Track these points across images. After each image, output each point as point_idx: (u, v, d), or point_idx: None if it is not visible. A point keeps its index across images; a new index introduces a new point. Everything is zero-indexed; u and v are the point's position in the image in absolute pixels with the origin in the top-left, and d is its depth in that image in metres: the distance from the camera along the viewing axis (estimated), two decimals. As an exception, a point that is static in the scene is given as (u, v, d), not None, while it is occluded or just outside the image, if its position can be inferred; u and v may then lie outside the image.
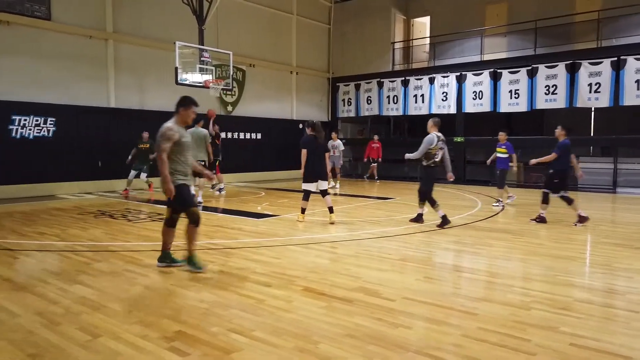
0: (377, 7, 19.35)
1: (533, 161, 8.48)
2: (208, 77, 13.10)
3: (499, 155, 10.88)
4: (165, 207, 5.39)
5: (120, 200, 11.33)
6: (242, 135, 17.19)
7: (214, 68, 13.45)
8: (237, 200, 11.58)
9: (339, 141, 14.99)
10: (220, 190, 12.63)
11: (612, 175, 14.43)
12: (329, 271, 5.12)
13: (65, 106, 12.44)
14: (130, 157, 12.12)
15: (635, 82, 13.52)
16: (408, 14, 19.98)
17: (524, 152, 13.69)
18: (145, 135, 12.03)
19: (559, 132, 8.41)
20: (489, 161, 11.41)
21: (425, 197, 8.03)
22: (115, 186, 13.26)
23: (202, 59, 12.91)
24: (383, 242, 6.71)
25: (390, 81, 18.67)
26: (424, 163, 7.93)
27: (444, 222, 7.83)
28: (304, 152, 8.08)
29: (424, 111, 17.74)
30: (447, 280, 5.05)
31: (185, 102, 5.06)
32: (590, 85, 14.22)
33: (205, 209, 9.99)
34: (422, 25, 20.17)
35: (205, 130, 10.89)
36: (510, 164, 10.73)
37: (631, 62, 13.58)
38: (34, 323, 3.57)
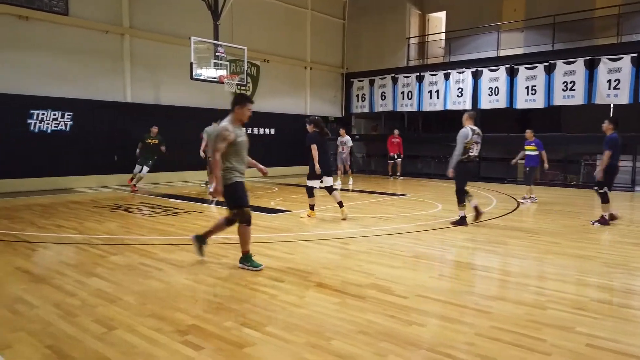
0: (393, 2, 19.20)
1: (599, 174, 7.92)
2: (222, 72, 13.14)
3: (527, 152, 10.85)
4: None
5: (135, 195, 11.45)
6: (255, 131, 17.24)
7: (228, 63, 13.49)
8: (250, 195, 11.59)
9: (347, 137, 14.74)
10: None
11: (631, 174, 14.16)
12: (342, 267, 5.12)
13: (82, 100, 12.60)
14: (138, 151, 11.88)
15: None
16: (423, 9, 19.80)
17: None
18: (155, 130, 11.92)
19: (606, 126, 8.08)
20: (514, 161, 11.27)
21: (462, 194, 7.63)
22: (131, 180, 13.40)
23: (216, 54, 12.94)
24: (396, 239, 6.68)
25: (404, 77, 18.54)
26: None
27: (461, 222, 7.66)
28: (314, 147, 7.99)
29: (438, 107, 17.60)
30: (461, 278, 5.01)
31: (241, 101, 4.99)
32: (609, 81, 13.95)
33: (220, 203, 10.05)
34: (438, 20, 19.98)
35: None
36: (545, 164, 10.69)
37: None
38: (52, 314, 3.64)
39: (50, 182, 12.03)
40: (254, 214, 8.47)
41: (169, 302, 3.95)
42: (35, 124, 11.82)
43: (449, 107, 17.25)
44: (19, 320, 3.52)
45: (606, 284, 4.81)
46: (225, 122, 4.90)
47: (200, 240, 5.23)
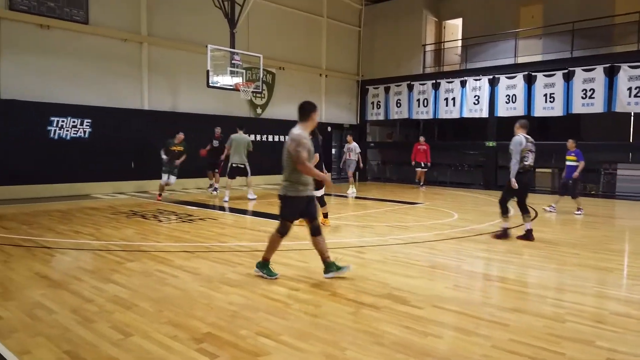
0: (408, 9, 19.20)
1: None
2: (238, 80, 13.26)
3: (568, 163, 10.62)
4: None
5: (151, 201, 11.57)
6: (270, 138, 17.32)
7: (244, 71, 13.60)
8: (265, 202, 11.67)
9: (354, 144, 14.35)
10: (215, 190, 13.05)
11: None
12: (357, 276, 5.09)
13: (101, 108, 12.81)
14: (167, 158, 11.28)
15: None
16: (440, 16, 19.74)
17: (558, 157, 13.29)
18: (181, 136, 11.52)
19: None
20: (564, 174, 10.86)
21: (512, 205, 7.25)
22: (147, 187, 13.56)
23: (232, 62, 13.07)
24: (411, 248, 6.63)
25: (420, 84, 18.48)
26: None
27: (504, 234, 7.33)
28: (316, 156, 7.56)
29: (454, 115, 17.48)
30: (478, 289, 4.95)
31: (314, 106, 4.93)
32: (629, 89, 13.70)
33: (233, 210, 10.12)
34: (454, 27, 19.90)
35: (248, 137, 11.26)
36: (576, 173, 10.39)
37: (674, 65, 13.03)
38: (70, 320, 3.68)
39: (69, 188, 12.22)
40: (269, 221, 8.54)
41: (185, 310, 3.97)
42: (55, 130, 12.04)
43: (465, 114, 17.13)
44: (38, 326, 3.57)
45: (627, 296, 4.70)
46: (300, 130, 4.76)
47: (263, 265, 5.01)
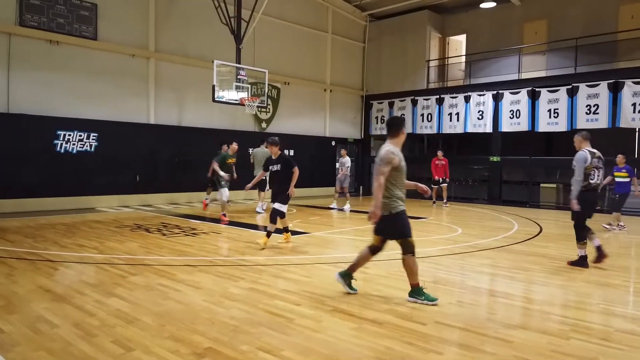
0: (413, 25, 19.36)
1: None
2: (244, 94, 13.38)
3: (618, 179, 10.58)
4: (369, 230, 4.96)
5: (157, 214, 11.61)
6: (275, 152, 17.39)
7: (249, 86, 13.74)
8: (266, 217, 11.65)
9: (347, 158, 14.02)
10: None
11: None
12: (360, 292, 5.07)
13: (107, 122, 12.92)
14: (227, 174, 10.15)
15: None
16: (444, 32, 19.90)
17: (563, 172, 13.26)
18: (235, 146, 10.74)
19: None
20: (603, 183, 10.79)
21: (581, 230, 6.55)
22: (152, 200, 13.62)
23: (238, 77, 13.21)
24: (415, 263, 6.59)
25: (424, 99, 18.56)
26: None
27: (581, 263, 6.54)
28: (297, 171, 7.55)
29: (458, 130, 17.52)
30: (482, 304, 4.91)
31: (403, 122, 4.98)
32: (634, 105, 13.70)
33: (235, 224, 10.12)
34: (458, 43, 20.03)
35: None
36: (632, 187, 10.37)
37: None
38: (72, 334, 3.68)
39: (74, 201, 12.29)
40: (272, 235, 8.54)
41: (187, 324, 3.96)
42: (61, 144, 12.15)
43: (469, 129, 17.15)
44: (40, 339, 3.57)
45: (633, 313, 4.64)
46: (390, 147, 4.73)
47: (346, 276, 5.00)
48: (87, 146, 12.60)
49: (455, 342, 3.75)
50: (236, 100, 13.25)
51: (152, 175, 13.45)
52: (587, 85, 14.58)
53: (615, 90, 14.06)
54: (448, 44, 20.02)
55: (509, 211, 13.93)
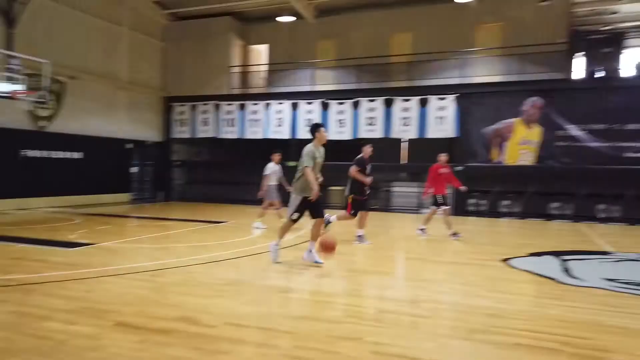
0: (217, 30, 19.32)
1: None
2: (17, 87, 11.52)
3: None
4: None
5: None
6: (61, 155, 15.40)
7: (26, 77, 11.87)
8: (44, 227, 10.21)
9: (279, 165, 11.06)
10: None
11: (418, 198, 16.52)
12: (148, 302, 4.82)
13: None
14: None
15: (436, 118, 15.87)
16: (246, 40, 20.34)
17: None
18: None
19: None
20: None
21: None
22: None
23: (9, 66, 11.32)
24: (211, 268, 6.58)
25: (227, 104, 18.71)
26: None
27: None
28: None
29: (259, 135, 18.17)
30: (271, 301, 5.14)
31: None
32: (401, 119, 16.23)
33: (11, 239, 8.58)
34: (260, 52, 20.75)
35: None
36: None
37: (433, 100, 15.91)
38: None
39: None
40: (47, 249, 7.46)
41: None
42: None
43: (270, 135, 17.94)
44: None
45: (398, 296, 5.46)
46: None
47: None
48: None
49: (243, 340, 3.85)
50: (7, 93, 11.33)
51: None
52: (367, 100, 16.68)
53: (388, 106, 16.43)
54: (249, 52, 20.59)
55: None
